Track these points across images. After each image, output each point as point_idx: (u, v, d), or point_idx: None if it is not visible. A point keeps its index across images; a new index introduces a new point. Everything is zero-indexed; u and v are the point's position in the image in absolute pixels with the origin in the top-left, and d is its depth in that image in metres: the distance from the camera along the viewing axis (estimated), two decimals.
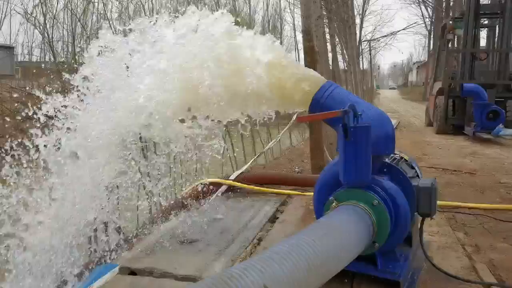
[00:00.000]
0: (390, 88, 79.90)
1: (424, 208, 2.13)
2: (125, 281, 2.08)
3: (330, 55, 10.34)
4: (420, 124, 12.33)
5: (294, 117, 6.09)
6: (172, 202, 3.49)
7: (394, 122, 12.65)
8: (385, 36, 39.08)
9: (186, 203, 3.46)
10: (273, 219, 3.08)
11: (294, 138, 11.79)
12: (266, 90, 2.08)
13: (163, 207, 3.41)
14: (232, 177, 3.86)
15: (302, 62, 5.21)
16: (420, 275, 2.14)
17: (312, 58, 4.75)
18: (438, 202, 3.33)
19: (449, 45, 10.79)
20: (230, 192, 3.73)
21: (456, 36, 10.58)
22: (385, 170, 2.12)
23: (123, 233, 3.02)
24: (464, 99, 8.60)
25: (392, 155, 2.48)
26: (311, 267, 1.34)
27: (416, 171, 2.47)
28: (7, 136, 2.45)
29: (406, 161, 2.49)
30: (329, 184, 2.02)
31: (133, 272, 2.18)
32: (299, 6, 5.65)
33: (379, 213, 1.79)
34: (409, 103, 29.32)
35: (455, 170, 4.91)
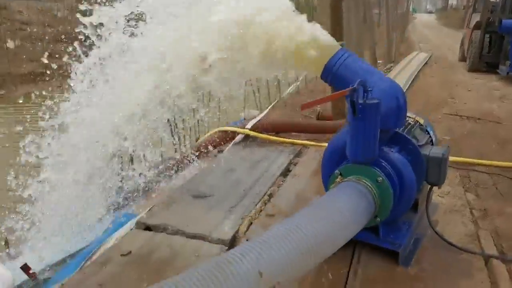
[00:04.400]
0: (428, 12, 74.96)
1: (432, 177, 2.13)
2: (141, 236, 2.23)
3: None
4: (453, 58, 11.70)
5: None
6: (190, 149, 3.59)
7: (425, 55, 12.07)
8: None
9: (203, 151, 3.56)
10: (286, 172, 3.15)
11: None
12: (279, 51, 2.03)
13: (181, 155, 3.52)
14: (249, 125, 3.89)
15: None
16: (423, 242, 2.20)
17: None
18: (455, 158, 3.33)
19: None
20: (246, 141, 3.78)
21: None
22: (395, 140, 2.09)
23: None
24: (502, 36, 8.03)
25: (407, 119, 2.44)
26: (307, 249, 1.39)
27: (430, 137, 2.43)
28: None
29: (421, 125, 2.45)
30: (337, 154, 2.02)
31: (148, 228, 2.32)
32: None
33: (382, 190, 1.81)
34: (446, 31, 27.57)
35: (479, 119, 4.76)
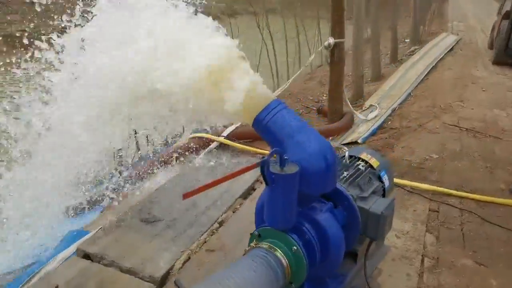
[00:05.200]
0: None
1: (370, 232, 2.06)
2: (76, 266, 2.26)
3: None
4: (483, 43, 10.99)
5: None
6: (162, 155, 3.58)
7: (454, 39, 11.39)
8: None
9: (172, 158, 3.54)
10: (249, 192, 3.10)
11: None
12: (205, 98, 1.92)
13: (153, 160, 3.51)
14: (225, 133, 3.81)
15: None
16: None
17: None
18: (431, 187, 3.18)
19: None
20: (220, 149, 3.73)
21: None
22: (333, 193, 1.99)
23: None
24: None
25: (357, 163, 2.32)
26: None
27: (382, 183, 2.31)
28: None
29: (373, 170, 2.32)
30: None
31: (87, 255, 2.35)
32: None
33: (297, 259, 1.74)
34: (492, 5, 25.46)
35: (478, 132, 4.48)
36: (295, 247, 1.73)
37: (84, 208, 3.08)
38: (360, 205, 2.05)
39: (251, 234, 1.89)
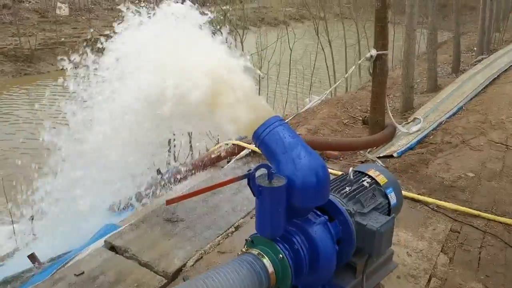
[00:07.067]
0: None
1: (368, 248, 2.11)
2: (102, 256, 2.55)
3: None
4: None
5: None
6: (194, 162, 3.83)
7: None
8: None
9: (205, 164, 3.78)
10: None
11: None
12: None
13: (186, 165, 3.78)
14: None
15: None
16: None
17: None
18: (456, 207, 3.12)
19: None
20: (250, 157, 3.90)
21: None
22: (329, 207, 2.09)
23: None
24: None
25: (363, 179, 2.38)
26: None
27: (387, 200, 2.34)
28: None
29: (380, 187, 2.36)
30: None
31: (113, 247, 2.64)
32: None
33: (283, 267, 1.86)
34: None
35: None
36: (281, 255, 1.86)
37: (127, 205, 3.43)
38: (358, 220, 2.12)
39: (246, 240, 2.04)
